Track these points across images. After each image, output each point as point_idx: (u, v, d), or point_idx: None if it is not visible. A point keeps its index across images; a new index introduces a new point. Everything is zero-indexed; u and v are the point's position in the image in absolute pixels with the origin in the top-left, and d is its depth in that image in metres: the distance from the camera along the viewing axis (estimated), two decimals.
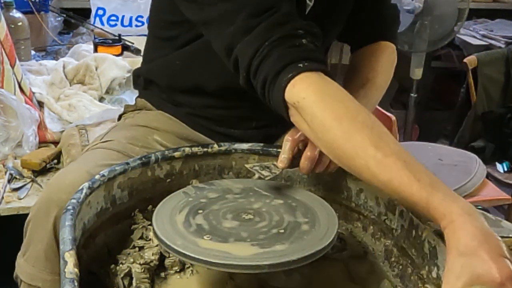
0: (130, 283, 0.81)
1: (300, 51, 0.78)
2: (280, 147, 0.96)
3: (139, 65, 1.26)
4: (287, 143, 0.87)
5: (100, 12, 2.53)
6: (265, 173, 0.86)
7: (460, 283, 0.61)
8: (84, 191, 0.82)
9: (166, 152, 0.96)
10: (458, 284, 0.62)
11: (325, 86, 0.78)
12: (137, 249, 0.87)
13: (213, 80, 1.07)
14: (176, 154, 0.97)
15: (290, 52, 0.78)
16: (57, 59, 2.21)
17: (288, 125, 0.88)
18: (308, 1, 1.01)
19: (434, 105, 3.37)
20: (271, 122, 1.11)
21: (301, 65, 0.77)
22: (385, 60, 1.16)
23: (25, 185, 1.52)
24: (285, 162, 0.87)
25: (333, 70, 2.83)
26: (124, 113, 1.25)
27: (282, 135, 1.11)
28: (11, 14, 2.13)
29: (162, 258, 0.86)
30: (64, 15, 2.50)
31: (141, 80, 1.20)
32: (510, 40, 2.76)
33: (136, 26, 2.55)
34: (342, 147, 0.74)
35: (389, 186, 0.71)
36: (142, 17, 2.53)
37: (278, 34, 0.78)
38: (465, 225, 0.65)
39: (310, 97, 0.76)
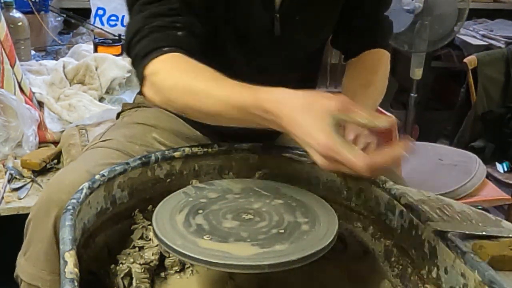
0: (130, 283, 0.81)
1: (170, 39, 0.90)
2: (279, 146, 0.97)
3: None
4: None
5: (100, 12, 2.53)
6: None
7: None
8: (84, 191, 0.82)
9: (166, 152, 0.96)
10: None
11: (179, 60, 0.89)
12: (137, 249, 0.87)
13: None
14: (176, 154, 0.97)
15: (162, 38, 0.90)
16: (57, 59, 2.21)
17: None
18: None
19: (434, 105, 3.37)
20: None
21: (166, 49, 0.89)
22: (384, 67, 1.18)
23: (25, 185, 1.52)
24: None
25: (333, 70, 2.83)
26: (122, 111, 1.25)
27: (282, 133, 1.11)
28: (11, 14, 2.13)
29: (162, 258, 0.86)
30: (64, 15, 2.50)
31: None
32: (510, 40, 2.76)
33: None
34: (202, 100, 0.85)
35: (230, 103, 0.82)
36: None
37: (158, 23, 0.91)
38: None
39: (163, 69, 0.89)
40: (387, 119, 0.81)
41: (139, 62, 0.91)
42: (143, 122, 1.13)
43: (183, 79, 0.88)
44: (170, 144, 1.10)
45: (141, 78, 0.92)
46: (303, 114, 0.75)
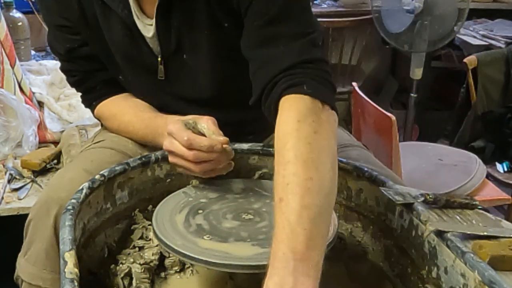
0: (130, 283, 0.81)
1: (94, 97, 1.16)
2: None
3: None
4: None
5: None
6: (398, 197, 0.84)
7: None
8: (84, 191, 0.82)
9: (166, 152, 0.96)
10: None
11: (107, 108, 1.14)
12: (137, 249, 0.87)
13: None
14: None
15: (89, 98, 1.19)
16: (57, 59, 2.20)
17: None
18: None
19: (434, 105, 3.37)
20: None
21: (94, 103, 1.16)
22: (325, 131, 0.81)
23: (25, 185, 1.52)
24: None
25: (334, 70, 2.83)
26: None
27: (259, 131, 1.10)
28: (11, 14, 2.13)
29: (162, 258, 0.86)
30: None
31: None
32: (510, 40, 2.75)
33: None
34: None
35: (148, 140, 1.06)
36: None
37: (78, 89, 1.19)
38: None
39: (101, 116, 1.17)
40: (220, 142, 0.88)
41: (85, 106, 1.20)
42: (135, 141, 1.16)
43: (113, 122, 1.12)
44: None
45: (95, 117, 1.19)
46: None
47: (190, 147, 0.88)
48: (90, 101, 1.16)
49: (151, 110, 1.09)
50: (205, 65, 1.02)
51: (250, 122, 1.06)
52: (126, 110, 1.11)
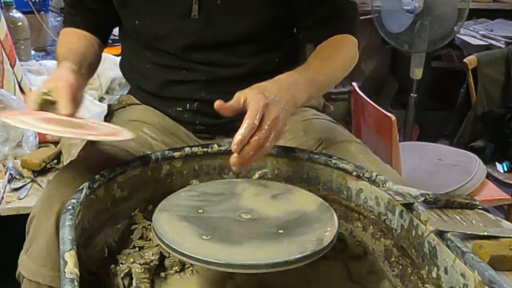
0: (130, 283, 0.81)
1: (69, 21, 1.23)
2: (279, 146, 0.97)
3: None
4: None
5: None
6: (398, 197, 0.85)
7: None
8: (84, 191, 0.82)
9: (166, 152, 0.97)
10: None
11: (66, 33, 1.22)
12: (137, 249, 0.87)
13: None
14: (176, 154, 0.97)
15: (69, 20, 1.24)
16: None
17: None
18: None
19: (434, 105, 3.37)
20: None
21: (68, 24, 1.23)
22: (348, 48, 1.16)
23: (25, 185, 1.52)
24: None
25: None
26: (109, 113, 1.32)
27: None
28: (11, 14, 2.13)
29: (162, 258, 0.86)
30: None
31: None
32: (510, 40, 2.75)
33: None
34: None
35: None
36: None
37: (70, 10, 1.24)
38: None
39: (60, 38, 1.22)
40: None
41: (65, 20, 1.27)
42: (134, 119, 1.18)
43: (60, 48, 1.17)
44: (160, 139, 1.15)
45: None
46: None
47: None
48: (71, 20, 1.23)
49: (74, 54, 1.12)
50: (242, 7, 1.11)
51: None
52: (66, 45, 1.16)
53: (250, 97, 0.88)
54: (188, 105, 1.19)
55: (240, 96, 0.89)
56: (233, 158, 0.86)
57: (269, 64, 1.18)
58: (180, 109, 1.20)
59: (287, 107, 0.91)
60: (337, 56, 1.12)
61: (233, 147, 0.84)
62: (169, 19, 1.13)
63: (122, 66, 1.32)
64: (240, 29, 1.13)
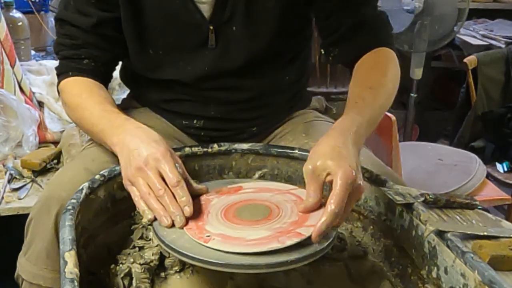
0: (130, 283, 0.81)
1: (74, 68, 1.10)
2: (279, 146, 0.97)
3: None
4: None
5: None
6: (398, 197, 0.84)
7: None
8: (84, 191, 0.82)
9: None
10: None
11: (80, 83, 1.09)
12: (137, 249, 0.87)
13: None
14: (176, 154, 0.97)
15: (68, 66, 1.11)
16: (57, 59, 2.20)
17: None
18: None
19: (434, 105, 3.37)
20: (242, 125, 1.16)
21: (70, 73, 1.10)
22: (393, 67, 1.09)
23: (25, 185, 1.52)
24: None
25: (333, 71, 2.83)
26: None
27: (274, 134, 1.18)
28: (11, 14, 2.13)
29: (162, 258, 0.86)
30: None
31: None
32: (510, 40, 2.75)
33: None
34: (81, 117, 1.05)
35: (94, 131, 1.01)
36: None
37: (64, 53, 1.11)
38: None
39: (66, 88, 1.10)
40: None
41: (57, 78, 1.14)
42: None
43: (76, 99, 1.06)
44: None
45: (58, 92, 1.14)
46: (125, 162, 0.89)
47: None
48: (67, 70, 1.10)
49: (114, 105, 1.05)
50: (257, 30, 1.07)
51: (266, 97, 1.15)
52: (94, 96, 1.05)
53: (335, 172, 0.78)
54: (195, 120, 1.16)
55: (315, 171, 0.80)
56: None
57: (280, 83, 1.17)
58: (187, 122, 1.16)
59: (353, 157, 0.82)
60: (386, 83, 1.04)
61: (314, 238, 0.76)
62: (186, 50, 1.10)
63: (122, 76, 1.27)
64: (254, 53, 1.10)
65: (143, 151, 0.86)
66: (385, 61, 1.09)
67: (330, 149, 0.81)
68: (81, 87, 1.08)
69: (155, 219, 0.82)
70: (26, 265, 0.94)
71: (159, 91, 1.17)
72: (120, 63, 1.22)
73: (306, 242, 0.75)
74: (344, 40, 1.10)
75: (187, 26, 1.07)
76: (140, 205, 0.84)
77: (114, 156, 1.00)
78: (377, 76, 1.04)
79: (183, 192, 0.82)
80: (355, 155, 0.82)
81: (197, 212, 0.82)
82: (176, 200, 0.81)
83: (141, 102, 1.24)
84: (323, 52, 1.18)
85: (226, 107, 1.14)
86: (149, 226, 0.87)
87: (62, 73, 1.12)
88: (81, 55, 1.09)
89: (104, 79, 1.14)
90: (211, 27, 1.06)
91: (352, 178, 0.77)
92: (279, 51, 1.13)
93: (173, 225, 0.79)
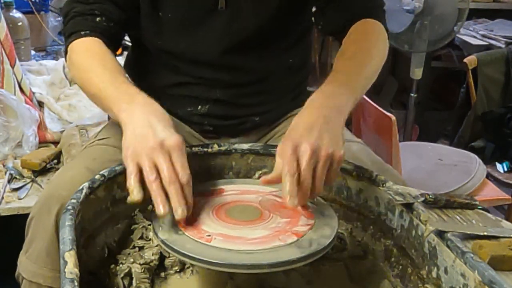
0: (130, 283, 0.81)
1: (88, 25, 1.06)
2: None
3: None
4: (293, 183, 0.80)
5: None
6: (398, 197, 0.85)
7: None
8: (84, 191, 0.82)
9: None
10: None
11: (93, 44, 1.05)
12: (137, 249, 0.87)
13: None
14: None
15: (81, 23, 1.07)
16: (57, 59, 2.21)
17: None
18: None
19: (434, 105, 3.37)
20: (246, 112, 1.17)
21: (83, 32, 1.06)
22: (380, 39, 1.08)
23: (25, 185, 1.52)
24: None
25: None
26: None
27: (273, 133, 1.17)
28: (11, 14, 2.13)
29: (162, 258, 0.86)
30: None
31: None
32: (510, 40, 2.75)
33: None
34: (89, 80, 1.00)
35: (101, 97, 0.95)
36: None
37: (78, 9, 1.07)
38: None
39: (77, 48, 1.06)
40: None
41: (65, 40, 1.09)
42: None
43: (87, 61, 1.02)
44: None
45: (65, 53, 1.09)
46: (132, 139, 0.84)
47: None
48: (80, 28, 1.06)
49: (127, 78, 1.01)
50: None
51: (271, 80, 1.16)
52: (107, 63, 1.01)
53: (277, 153, 0.82)
54: (200, 106, 1.15)
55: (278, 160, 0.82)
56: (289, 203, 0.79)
57: (284, 66, 1.18)
58: (191, 109, 1.15)
59: (327, 129, 0.83)
60: (370, 53, 1.04)
61: (289, 205, 0.78)
62: (196, 13, 1.10)
63: (127, 66, 1.26)
64: (263, 19, 1.10)
65: (160, 132, 0.81)
66: (372, 33, 1.08)
67: (302, 126, 0.83)
68: (93, 49, 1.04)
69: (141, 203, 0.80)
70: (27, 264, 0.94)
71: (165, 75, 1.16)
72: (125, 54, 1.22)
73: (306, 242, 0.76)
74: (332, 8, 1.12)
75: None
76: (132, 182, 0.79)
77: (116, 155, 0.99)
78: (363, 48, 1.03)
79: (189, 192, 0.79)
80: (327, 129, 0.83)
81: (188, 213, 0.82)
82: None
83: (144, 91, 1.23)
84: (313, 21, 1.19)
85: (232, 90, 1.14)
86: (149, 226, 0.87)
87: (73, 32, 1.07)
88: (95, 10, 1.06)
89: (115, 42, 1.10)
90: None
91: (290, 148, 0.79)
92: (285, 27, 1.14)
93: (173, 221, 0.79)
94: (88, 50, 1.04)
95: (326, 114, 0.85)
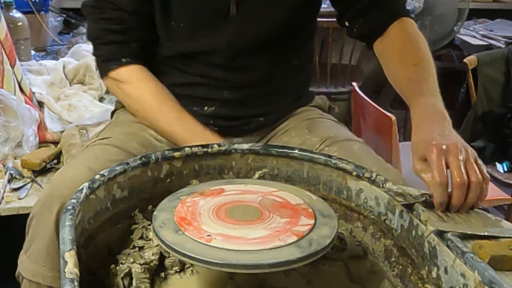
0: (130, 283, 0.81)
1: (127, 53, 1.12)
2: (279, 146, 0.97)
3: None
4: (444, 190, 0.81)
5: None
6: (399, 198, 0.85)
7: None
8: (84, 191, 0.82)
9: (166, 152, 0.97)
10: None
11: (142, 74, 1.13)
12: (137, 249, 0.87)
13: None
14: (176, 154, 0.97)
15: (119, 51, 1.12)
16: (57, 59, 2.21)
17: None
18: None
19: None
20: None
21: (124, 60, 1.12)
22: (420, 36, 1.11)
23: (25, 185, 1.52)
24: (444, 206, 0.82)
25: (333, 70, 2.83)
26: (116, 109, 1.27)
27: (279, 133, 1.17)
28: (11, 14, 2.13)
29: (162, 258, 0.86)
30: (64, 15, 2.50)
31: None
32: (510, 40, 2.76)
33: None
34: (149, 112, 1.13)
35: (164, 130, 1.11)
36: None
37: (112, 38, 1.12)
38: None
39: (130, 79, 1.13)
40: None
41: (101, 64, 1.15)
42: (139, 120, 1.16)
43: (146, 96, 1.12)
44: (165, 141, 1.13)
45: (105, 77, 1.16)
46: None
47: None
48: (118, 56, 1.12)
49: (179, 105, 1.12)
50: (276, 2, 1.10)
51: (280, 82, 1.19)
52: (158, 90, 1.12)
53: (425, 153, 0.83)
54: (206, 107, 1.16)
55: (418, 163, 0.85)
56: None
57: (289, 67, 1.20)
58: (197, 109, 1.16)
59: (450, 134, 0.87)
60: (424, 54, 1.07)
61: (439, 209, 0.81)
62: (206, 20, 1.11)
63: None
64: (273, 25, 1.12)
65: None
66: (414, 32, 1.11)
67: (430, 135, 0.86)
68: (142, 81, 1.12)
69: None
70: (27, 263, 0.94)
71: (174, 75, 1.17)
72: None
73: (306, 242, 0.76)
74: (366, 10, 1.13)
75: None
76: None
77: (117, 155, 1.00)
78: (412, 51, 1.07)
79: None
80: (450, 134, 0.86)
81: (188, 213, 0.82)
82: None
83: None
84: (347, 24, 1.19)
85: (239, 91, 1.15)
86: (149, 226, 0.87)
87: (112, 59, 1.12)
88: (130, 39, 1.11)
89: (150, 61, 1.16)
90: None
91: (438, 147, 0.81)
92: (293, 30, 1.15)
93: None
94: (143, 82, 1.13)
95: (438, 123, 0.90)
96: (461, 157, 0.81)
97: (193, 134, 1.09)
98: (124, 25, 1.11)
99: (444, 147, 0.82)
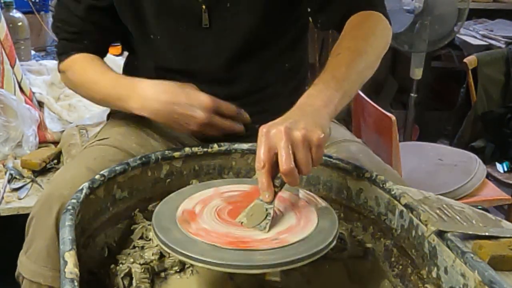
0: (130, 283, 0.81)
1: (76, 47, 1.17)
2: None
3: None
4: (262, 175, 0.81)
5: None
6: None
7: None
8: (84, 191, 0.82)
9: (166, 152, 0.97)
10: None
11: (83, 59, 1.16)
12: (137, 249, 0.87)
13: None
14: (176, 154, 0.97)
15: (69, 46, 1.18)
16: (57, 59, 2.20)
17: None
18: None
19: (434, 105, 3.37)
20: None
21: (73, 52, 1.17)
22: (379, 30, 1.03)
23: (25, 185, 1.52)
24: (271, 197, 0.81)
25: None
26: (111, 112, 1.28)
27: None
28: (11, 14, 2.13)
29: (162, 258, 0.86)
30: None
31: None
32: (510, 40, 2.76)
33: None
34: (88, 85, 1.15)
35: (109, 94, 1.10)
36: None
37: (64, 35, 1.18)
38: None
39: (72, 66, 1.17)
40: None
41: (57, 58, 1.22)
42: (136, 120, 1.15)
43: (81, 76, 1.16)
44: (163, 141, 1.13)
45: (59, 71, 1.22)
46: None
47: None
48: (69, 49, 1.18)
49: (115, 72, 1.14)
50: (250, 8, 1.08)
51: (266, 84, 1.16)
52: (96, 67, 1.15)
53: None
54: None
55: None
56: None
57: (280, 71, 1.17)
58: None
59: (302, 117, 0.82)
60: (365, 46, 0.98)
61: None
62: (182, 32, 1.10)
63: (126, 71, 1.27)
64: (251, 30, 1.09)
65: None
66: (370, 24, 1.03)
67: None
68: (83, 63, 1.16)
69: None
70: (27, 263, 0.94)
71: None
72: (125, 54, 1.26)
73: (306, 242, 0.76)
74: (330, 3, 1.09)
75: (180, 8, 1.08)
76: None
77: (116, 155, 1.00)
78: (358, 39, 0.99)
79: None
80: (303, 117, 0.82)
81: (188, 213, 0.82)
82: None
83: None
84: (311, 21, 1.17)
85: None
86: (149, 226, 0.88)
87: (63, 52, 1.18)
88: (82, 39, 1.16)
89: (103, 54, 1.23)
90: (204, 6, 1.06)
91: (261, 131, 0.81)
92: (274, 34, 1.13)
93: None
94: (79, 65, 1.16)
95: (304, 108, 0.85)
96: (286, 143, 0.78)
97: (125, 87, 1.08)
98: (76, 28, 1.16)
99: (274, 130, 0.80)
